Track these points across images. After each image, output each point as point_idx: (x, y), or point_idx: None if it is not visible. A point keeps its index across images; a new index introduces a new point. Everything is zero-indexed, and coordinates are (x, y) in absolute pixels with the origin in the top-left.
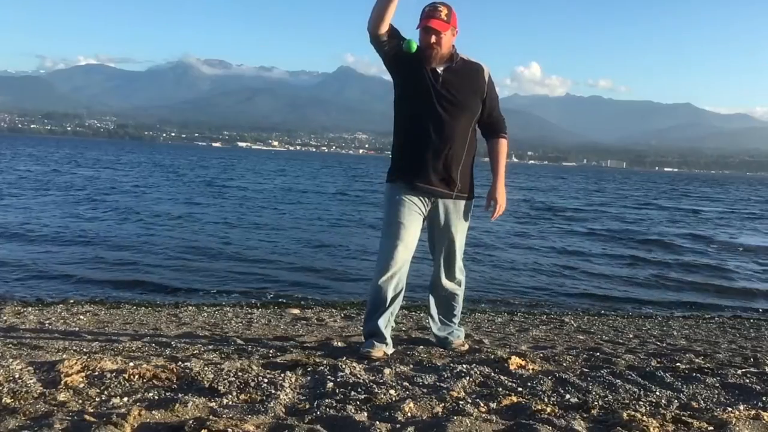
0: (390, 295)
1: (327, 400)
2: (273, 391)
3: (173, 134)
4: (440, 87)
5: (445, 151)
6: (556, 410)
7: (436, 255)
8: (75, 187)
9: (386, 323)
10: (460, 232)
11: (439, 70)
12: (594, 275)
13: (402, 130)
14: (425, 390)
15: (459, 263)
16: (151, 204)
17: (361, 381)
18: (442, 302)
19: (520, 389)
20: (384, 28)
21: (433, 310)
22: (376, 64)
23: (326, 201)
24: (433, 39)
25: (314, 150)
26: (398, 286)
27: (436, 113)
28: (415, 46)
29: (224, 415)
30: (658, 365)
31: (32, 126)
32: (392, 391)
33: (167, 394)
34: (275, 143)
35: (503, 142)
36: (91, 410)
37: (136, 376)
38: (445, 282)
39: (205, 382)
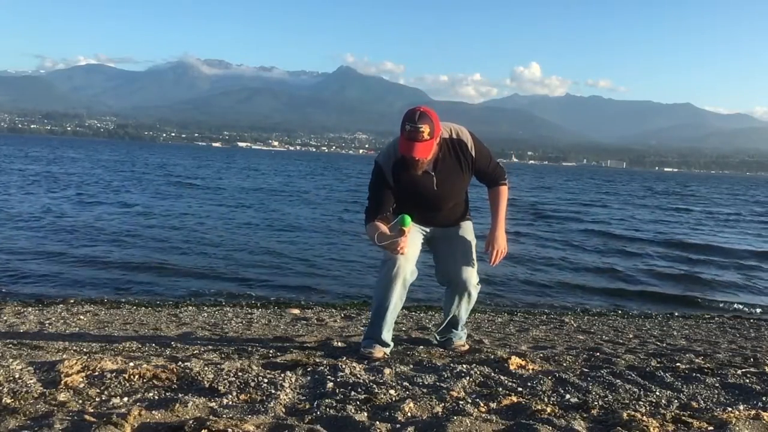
0: (393, 301)
1: (327, 400)
2: (273, 391)
3: (173, 134)
4: (435, 187)
5: (445, 221)
6: (556, 410)
7: (452, 270)
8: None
9: (388, 327)
10: (468, 240)
11: (430, 169)
12: (589, 274)
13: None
14: (425, 390)
15: (475, 276)
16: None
17: (361, 381)
18: (453, 311)
19: (520, 389)
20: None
21: (445, 324)
22: (375, 64)
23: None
24: (418, 158)
25: (314, 150)
26: (401, 292)
27: (434, 207)
28: (408, 222)
29: (224, 415)
30: (658, 365)
31: (32, 126)
32: (392, 391)
33: (167, 394)
34: (275, 143)
35: (503, 189)
36: (91, 410)
37: (136, 376)
38: (462, 297)
39: (205, 382)
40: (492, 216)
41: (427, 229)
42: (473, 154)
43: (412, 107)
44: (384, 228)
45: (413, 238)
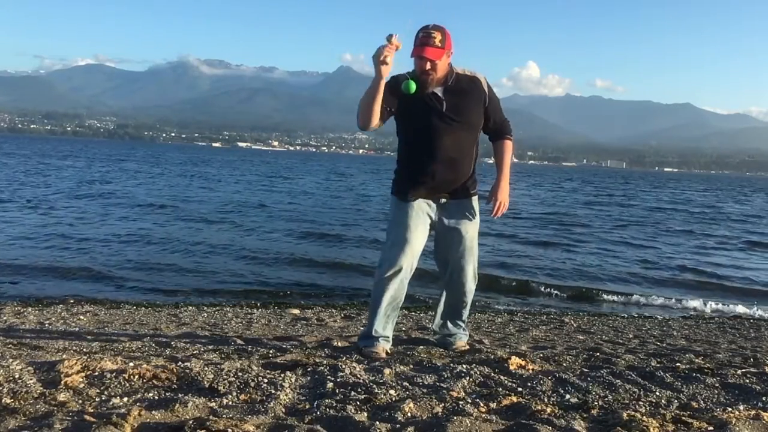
0: (391, 295)
1: (327, 400)
2: (273, 391)
3: (173, 134)
4: (444, 110)
5: (453, 168)
6: (556, 410)
7: (450, 258)
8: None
9: (387, 322)
10: (470, 230)
11: (439, 92)
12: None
13: (408, 151)
14: (425, 390)
15: (473, 268)
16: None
17: (361, 381)
18: (451, 306)
19: (520, 389)
20: (375, 122)
21: (440, 313)
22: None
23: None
24: (428, 66)
25: (314, 150)
26: (400, 286)
27: (442, 136)
28: (414, 87)
29: (224, 415)
30: (658, 365)
31: (32, 126)
32: (392, 391)
33: (167, 394)
34: (275, 143)
35: (508, 143)
36: (91, 410)
37: (136, 376)
38: (458, 287)
39: (205, 382)
40: (497, 170)
41: (430, 213)
42: (486, 91)
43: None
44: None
45: (418, 231)
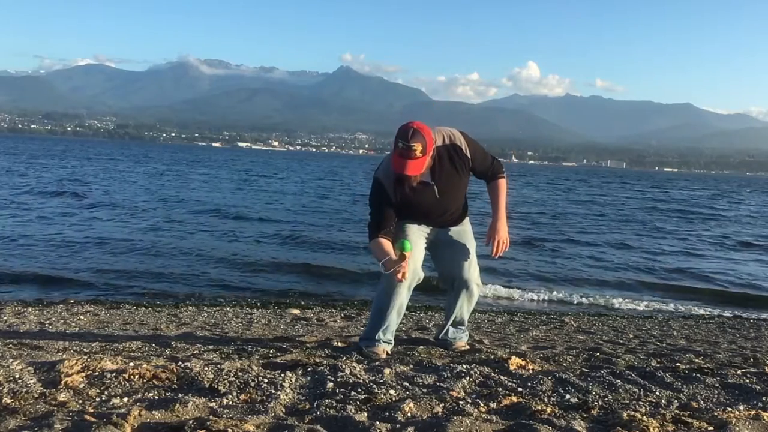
0: (397, 303)
1: (327, 400)
2: (273, 391)
3: (173, 134)
4: (438, 195)
5: (448, 221)
6: (556, 410)
7: (455, 273)
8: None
9: (391, 329)
10: (468, 243)
11: (427, 178)
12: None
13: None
14: (425, 390)
15: (476, 278)
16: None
17: (361, 381)
18: (458, 315)
19: (520, 389)
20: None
21: (449, 324)
22: (374, 63)
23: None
24: (411, 179)
25: (314, 150)
26: (405, 295)
27: (438, 214)
28: (408, 247)
29: (224, 415)
30: (658, 365)
31: (32, 126)
32: (392, 391)
33: (167, 394)
34: (275, 143)
35: (502, 182)
36: (91, 410)
37: (136, 376)
38: (465, 298)
39: (205, 382)
40: (493, 208)
41: (428, 230)
42: (468, 155)
43: (406, 123)
44: (388, 248)
45: (417, 240)
